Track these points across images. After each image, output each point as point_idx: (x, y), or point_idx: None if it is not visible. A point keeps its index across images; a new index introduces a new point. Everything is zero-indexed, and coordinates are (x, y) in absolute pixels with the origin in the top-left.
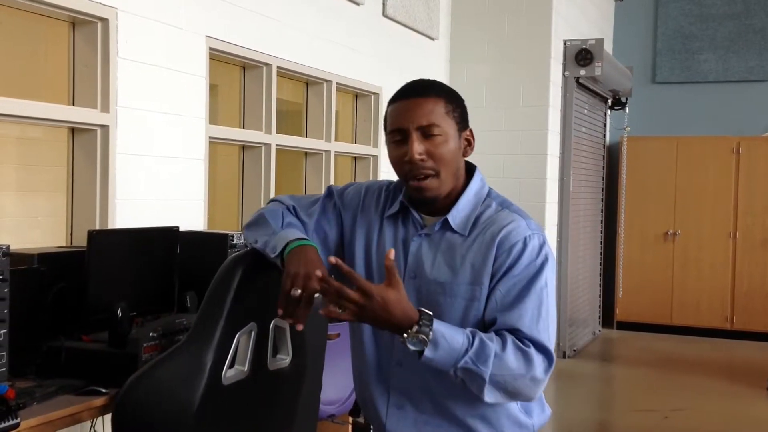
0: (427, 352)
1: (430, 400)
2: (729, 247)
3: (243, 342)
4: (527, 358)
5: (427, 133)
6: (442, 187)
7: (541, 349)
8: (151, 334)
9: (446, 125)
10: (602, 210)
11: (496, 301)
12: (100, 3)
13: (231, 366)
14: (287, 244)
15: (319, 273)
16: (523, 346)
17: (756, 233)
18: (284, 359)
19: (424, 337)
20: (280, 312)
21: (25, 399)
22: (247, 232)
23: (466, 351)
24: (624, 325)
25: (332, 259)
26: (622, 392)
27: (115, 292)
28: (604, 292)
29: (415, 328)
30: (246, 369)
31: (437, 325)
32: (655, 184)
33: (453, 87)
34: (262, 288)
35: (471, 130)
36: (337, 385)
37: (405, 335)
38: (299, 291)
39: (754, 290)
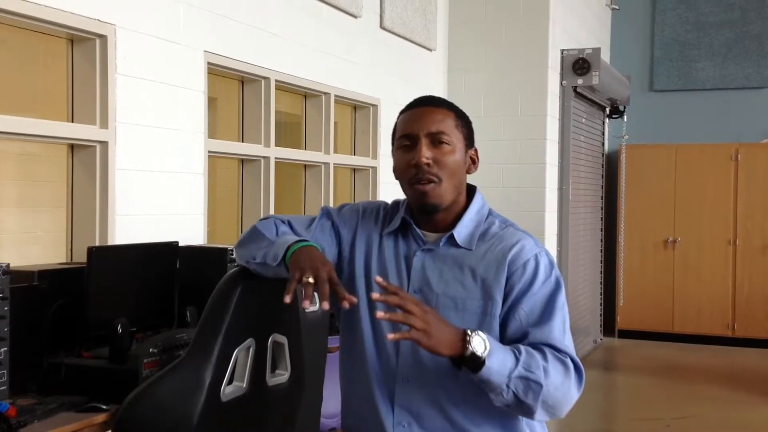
0: (488, 361)
1: (439, 415)
2: (729, 253)
3: (241, 358)
4: (566, 368)
5: (435, 140)
6: (444, 196)
7: (574, 362)
8: (151, 349)
9: (454, 137)
10: (602, 218)
11: (521, 320)
12: (99, 20)
13: (230, 382)
14: (288, 249)
15: (326, 271)
16: (560, 356)
17: (756, 239)
18: (283, 375)
19: (482, 338)
20: (286, 299)
21: (26, 416)
22: (241, 250)
23: (517, 359)
24: (625, 333)
25: (378, 278)
26: (624, 401)
27: (115, 308)
28: (605, 300)
29: (470, 331)
30: (244, 385)
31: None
32: (654, 192)
33: (451, 97)
34: (261, 304)
35: (476, 150)
36: (338, 398)
37: (469, 338)
38: (311, 278)
39: (754, 297)
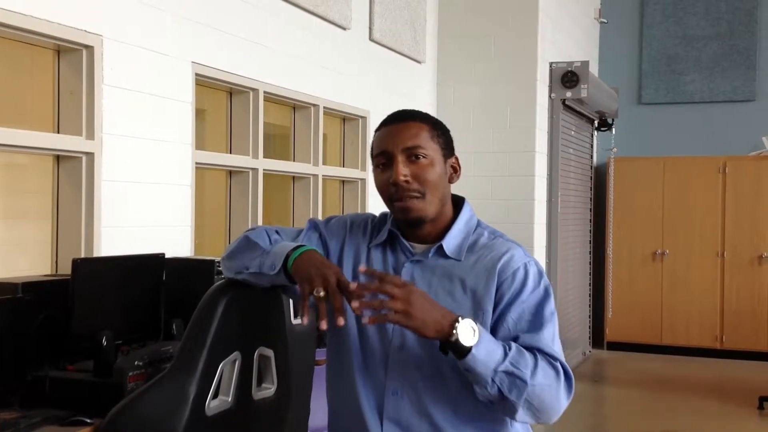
0: (475, 350)
1: (429, 428)
2: (717, 266)
3: (227, 372)
4: (556, 372)
5: (412, 155)
6: (427, 209)
7: (564, 368)
8: (136, 362)
9: (431, 149)
10: (590, 230)
11: (509, 327)
12: (86, 31)
13: (215, 396)
14: (287, 257)
15: (334, 276)
16: (551, 360)
17: (744, 252)
18: (269, 388)
19: (473, 325)
20: (305, 321)
21: (10, 430)
22: (231, 261)
23: (506, 353)
24: (614, 346)
25: (362, 268)
26: (613, 413)
27: (101, 321)
28: (593, 312)
29: (461, 318)
30: (230, 399)
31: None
32: (642, 205)
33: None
34: (247, 316)
35: (457, 158)
36: (326, 411)
37: (457, 323)
38: (322, 291)
39: (742, 309)
